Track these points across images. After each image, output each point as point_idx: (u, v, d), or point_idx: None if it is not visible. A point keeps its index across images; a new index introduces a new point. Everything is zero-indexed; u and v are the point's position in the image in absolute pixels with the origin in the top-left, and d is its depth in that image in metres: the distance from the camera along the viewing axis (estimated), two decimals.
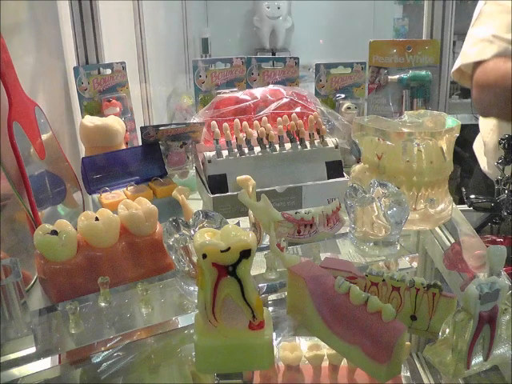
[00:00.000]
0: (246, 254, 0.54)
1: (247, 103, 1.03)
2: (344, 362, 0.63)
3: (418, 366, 0.65)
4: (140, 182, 0.99)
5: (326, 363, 0.64)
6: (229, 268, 0.54)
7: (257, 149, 0.95)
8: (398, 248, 0.80)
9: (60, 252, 0.70)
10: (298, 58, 1.20)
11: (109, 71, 1.18)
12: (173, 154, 1.04)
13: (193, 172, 1.06)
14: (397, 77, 1.21)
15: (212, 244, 0.54)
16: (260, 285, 0.73)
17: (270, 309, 0.72)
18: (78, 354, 0.65)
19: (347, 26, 3.15)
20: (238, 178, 0.83)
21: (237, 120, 0.96)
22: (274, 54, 3.10)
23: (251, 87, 1.19)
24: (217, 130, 0.95)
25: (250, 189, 0.81)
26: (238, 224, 0.87)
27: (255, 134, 0.95)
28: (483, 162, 1.35)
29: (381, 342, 0.55)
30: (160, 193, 0.97)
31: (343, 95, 1.20)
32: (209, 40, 3.03)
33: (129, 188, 0.97)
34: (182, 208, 0.86)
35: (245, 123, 0.95)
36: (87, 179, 0.97)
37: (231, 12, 3.19)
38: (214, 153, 0.94)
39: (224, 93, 1.11)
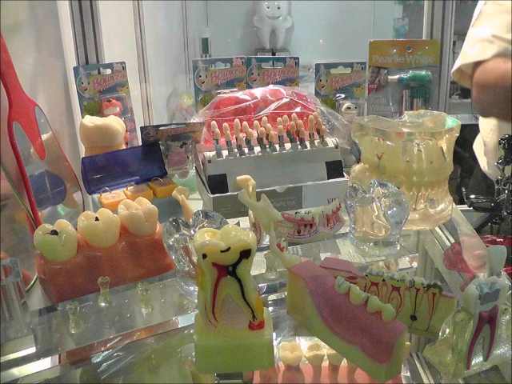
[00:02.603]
0: (245, 253, 0.54)
1: (247, 103, 1.04)
2: (344, 362, 0.63)
3: (418, 366, 0.65)
4: (140, 182, 0.99)
5: (326, 363, 0.64)
6: (229, 268, 0.54)
7: (257, 149, 0.95)
8: (398, 248, 0.80)
9: (60, 252, 0.70)
10: (298, 58, 1.20)
11: (109, 71, 1.18)
12: (173, 154, 1.04)
13: (193, 172, 1.06)
14: (397, 77, 1.21)
15: (212, 244, 0.54)
16: (260, 285, 0.73)
17: (270, 309, 0.72)
18: (78, 354, 0.64)
19: (347, 26, 3.16)
20: (238, 178, 0.83)
21: (237, 120, 0.96)
22: (274, 54, 3.10)
23: (251, 87, 1.19)
24: (217, 130, 0.95)
25: (250, 189, 0.81)
26: (238, 224, 0.87)
27: (255, 134, 0.95)
28: (483, 162, 1.35)
29: (381, 341, 0.55)
30: (160, 193, 0.97)
31: (343, 95, 1.20)
32: (209, 40, 3.03)
33: (129, 188, 0.97)
34: (182, 208, 0.86)
35: (245, 123, 0.95)
36: (87, 179, 0.97)
37: (231, 12, 3.20)
38: (213, 153, 0.94)
39: (224, 93, 1.11)
